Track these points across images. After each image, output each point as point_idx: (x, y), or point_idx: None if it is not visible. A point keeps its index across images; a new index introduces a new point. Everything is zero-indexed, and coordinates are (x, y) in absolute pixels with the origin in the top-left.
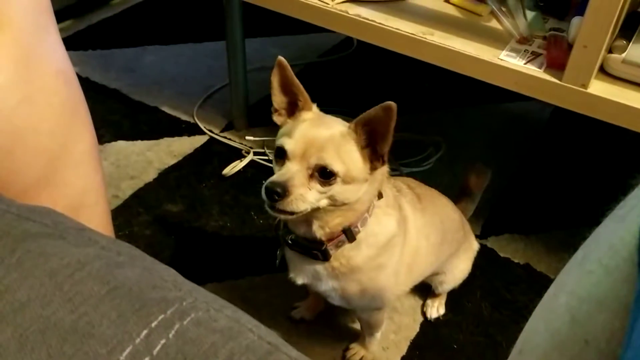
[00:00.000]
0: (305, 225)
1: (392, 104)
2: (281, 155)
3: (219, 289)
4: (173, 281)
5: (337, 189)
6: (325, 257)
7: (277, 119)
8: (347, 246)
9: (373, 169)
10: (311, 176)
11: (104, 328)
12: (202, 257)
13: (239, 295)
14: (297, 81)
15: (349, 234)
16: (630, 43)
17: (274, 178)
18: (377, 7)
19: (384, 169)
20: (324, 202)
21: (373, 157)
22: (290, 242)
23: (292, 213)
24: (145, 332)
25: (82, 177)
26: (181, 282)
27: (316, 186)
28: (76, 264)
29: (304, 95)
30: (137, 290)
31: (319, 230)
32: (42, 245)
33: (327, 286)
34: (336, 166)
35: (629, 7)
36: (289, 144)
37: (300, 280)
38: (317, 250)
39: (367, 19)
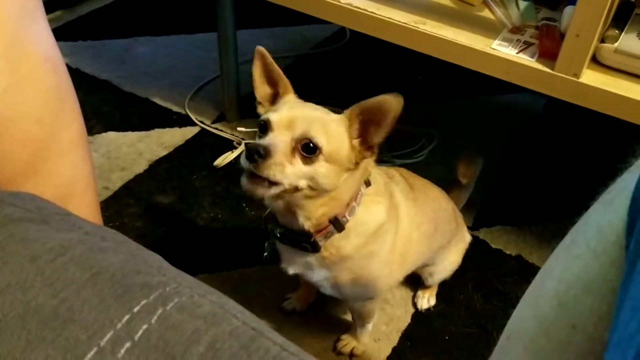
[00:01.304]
0: (290, 216)
1: (397, 97)
2: (264, 129)
3: (210, 280)
4: (158, 267)
5: (320, 169)
6: (315, 248)
7: (261, 110)
8: (337, 236)
9: (360, 159)
10: (294, 150)
11: (85, 313)
12: (193, 248)
13: (230, 287)
14: (277, 67)
15: (337, 224)
16: (623, 33)
17: (257, 141)
18: None
19: (369, 161)
20: (303, 183)
21: (362, 147)
22: (279, 235)
23: (268, 186)
24: (127, 317)
25: (70, 166)
26: (166, 268)
27: (298, 162)
28: (59, 248)
29: (284, 80)
30: (120, 276)
31: (305, 222)
32: (25, 229)
33: (318, 276)
34: (321, 140)
35: None
36: (274, 116)
37: (291, 271)
38: (306, 243)
39: (359, 8)
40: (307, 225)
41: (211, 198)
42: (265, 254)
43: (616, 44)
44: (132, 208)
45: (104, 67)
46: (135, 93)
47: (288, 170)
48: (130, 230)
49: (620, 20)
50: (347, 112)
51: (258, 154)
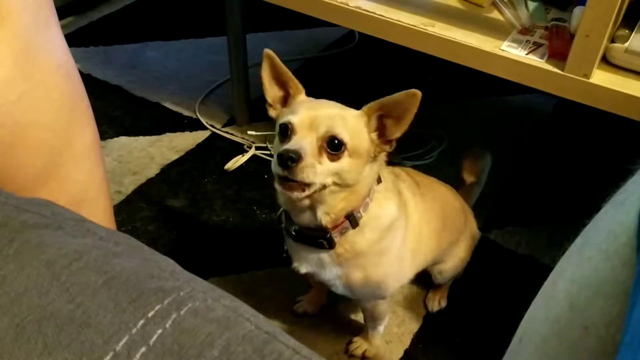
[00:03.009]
0: (310, 212)
1: (418, 92)
2: (286, 132)
3: (221, 284)
4: (171, 271)
5: (345, 164)
6: (330, 245)
7: (272, 112)
8: (351, 232)
9: (379, 152)
10: (320, 149)
11: (100, 318)
12: (205, 251)
13: (241, 290)
14: (286, 69)
15: (352, 219)
16: (633, 32)
17: (285, 146)
18: None
19: (382, 155)
20: (329, 180)
21: (381, 140)
22: (294, 233)
23: (302, 189)
24: (141, 322)
25: (83, 172)
26: (179, 272)
27: (325, 161)
28: (74, 254)
29: (294, 81)
30: (135, 280)
31: (324, 217)
32: (40, 235)
33: (331, 274)
34: (345, 136)
35: None
36: (295, 118)
37: (304, 269)
38: (322, 239)
39: (368, 11)
40: (325, 220)
41: (222, 201)
42: (285, 253)
43: (627, 44)
44: (144, 212)
45: (115, 72)
46: (146, 98)
47: (318, 170)
48: (142, 234)
49: (630, 20)
50: (365, 108)
51: (291, 160)
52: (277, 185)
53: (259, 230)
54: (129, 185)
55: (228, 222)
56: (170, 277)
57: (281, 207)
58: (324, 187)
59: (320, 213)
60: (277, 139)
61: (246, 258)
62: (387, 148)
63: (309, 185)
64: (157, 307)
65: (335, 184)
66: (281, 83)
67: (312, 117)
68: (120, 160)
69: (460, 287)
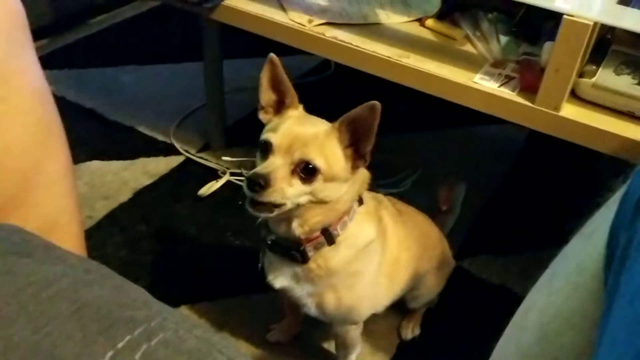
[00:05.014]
0: (285, 223)
1: (377, 103)
2: (265, 149)
3: (194, 311)
4: (143, 301)
5: (318, 187)
6: (303, 258)
7: (263, 116)
8: (326, 248)
9: (355, 167)
10: (293, 172)
11: (68, 349)
12: (177, 278)
13: (214, 317)
14: (287, 79)
15: (328, 236)
16: (600, 68)
17: (256, 170)
18: (353, 29)
19: (365, 172)
20: (304, 199)
21: (355, 156)
22: (269, 243)
23: (270, 210)
24: (110, 353)
25: (56, 197)
26: (151, 302)
27: (297, 183)
28: (43, 282)
29: (292, 93)
30: (105, 310)
31: (298, 229)
32: (8, 263)
33: (303, 291)
34: (319, 162)
35: (598, 33)
36: (275, 138)
37: (278, 284)
38: (295, 251)
39: (344, 42)
40: (299, 232)
41: (195, 227)
42: (260, 264)
43: (594, 79)
44: (116, 237)
45: (90, 96)
46: (120, 122)
47: (289, 193)
48: (113, 260)
49: (597, 56)
50: (336, 123)
51: (259, 185)
52: (246, 206)
53: (233, 256)
54: (101, 209)
55: (201, 249)
56: (142, 306)
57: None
58: (297, 205)
59: (295, 224)
60: (258, 153)
61: (219, 285)
62: (361, 163)
63: (279, 206)
64: (127, 338)
65: (310, 202)
66: (278, 90)
67: (290, 139)
68: (92, 184)
69: (434, 315)
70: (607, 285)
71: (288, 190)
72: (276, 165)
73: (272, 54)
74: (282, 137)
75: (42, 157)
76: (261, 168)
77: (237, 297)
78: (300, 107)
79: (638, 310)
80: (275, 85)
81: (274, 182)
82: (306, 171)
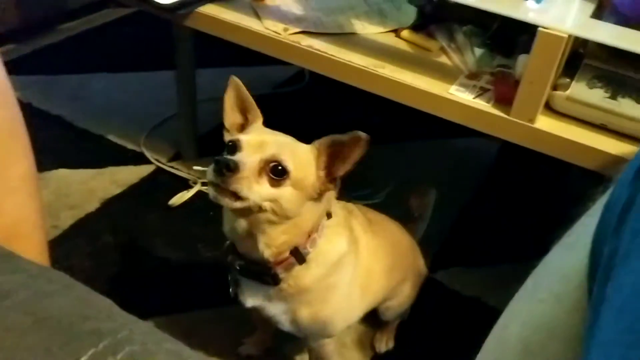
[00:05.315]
0: (250, 242)
1: (364, 135)
2: (233, 149)
3: (163, 324)
4: (108, 312)
5: (285, 193)
6: (275, 281)
7: (228, 137)
8: (297, 267)
9: (324, 190)
10: (262, 170)
11: None
12: (146, 290)
13: (184, 330)
14: (249, 97)
15: (298, 255)
16: (573, 81)
17: (226, 155)
18: (329, 39)
19: (332, 193)
20: (267, 204)
21: (327, 179)
22: (239, 268)
23: (234, 199)
24: None
25: (18, 204)
26: (117, 313)
27: (265, 183)
28: (0, 292)
29: (255, 109)
30: (67, 322)
31: (265, 250)
32: None
33: (276, 309)
34: (290, 165)
35: (571, 46)
36: (245, 137)
37: (250, 303)
38: (266, 275)
39: (319, 51)
40: (267, 253)
41: (165, 238)
42: (231, 289)
43: (568, 92)
44: (82, 248)
45: (58, 103)
46: (89, 130)
47: (255, 188)
48: (79, 272)
49: (571, 69)
50: (316, 143)
51: (227, 168)
52: (209, 191)
53: (204, 268)
54: (67, 219)
55: (171, 260)
56: (107, 318)
57: (227, 240)
58: (259, 209)
59: (261, 244)
60: (225, 153)
61: (190, 297)
62: (331, 187)
63: (242, 199)
64: (90, 352)
65: (273, 211)
66: (242, 110)
67: (261, 139)
68: (58, 193)
69: (407, 327)
70: (591, 295)
71: (254, 185)
72: (247, 158)
73: (233, 77)
74: (252, 137)
75: (4, 162)
76: (231, 157)
77: (208, 310)
78: (262, 122)
79: (627, 320)
80: (240, 105)
81: (243, 169)
82: (275, 171)
